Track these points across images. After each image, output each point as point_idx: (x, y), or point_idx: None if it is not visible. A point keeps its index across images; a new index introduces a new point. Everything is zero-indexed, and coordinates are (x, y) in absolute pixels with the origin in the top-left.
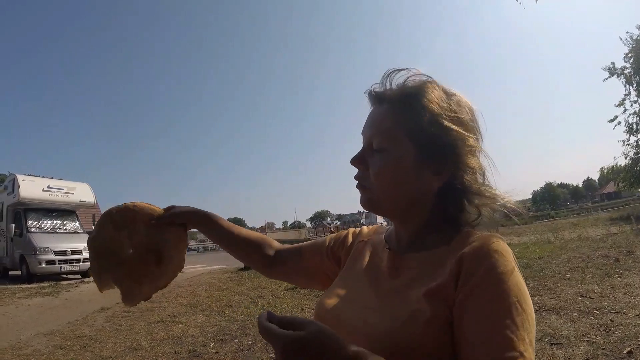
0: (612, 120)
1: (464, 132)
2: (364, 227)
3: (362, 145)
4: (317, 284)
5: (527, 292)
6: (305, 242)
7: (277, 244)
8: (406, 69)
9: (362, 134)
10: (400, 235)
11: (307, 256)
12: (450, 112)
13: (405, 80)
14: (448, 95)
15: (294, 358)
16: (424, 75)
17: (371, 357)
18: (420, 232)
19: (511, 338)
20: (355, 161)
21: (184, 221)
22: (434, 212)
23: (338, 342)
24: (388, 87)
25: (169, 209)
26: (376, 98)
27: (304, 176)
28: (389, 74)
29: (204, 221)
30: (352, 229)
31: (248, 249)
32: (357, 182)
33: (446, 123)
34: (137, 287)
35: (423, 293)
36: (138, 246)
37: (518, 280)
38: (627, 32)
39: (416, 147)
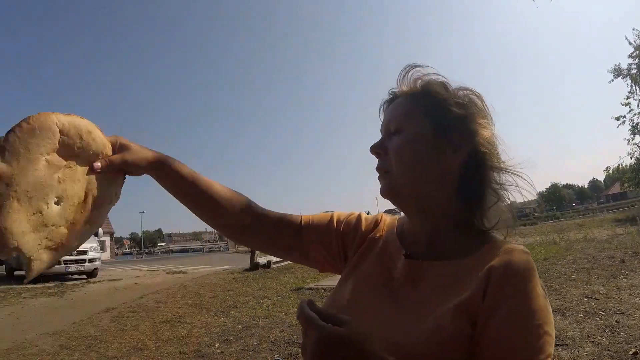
0: (618, 119)
1: (470, 110)
2: (381, 216)
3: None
4: (307, 263)
5: (550, 309)
6: (303, 218)
7: (254, 206)
8: (418, 66)
9: (380, 130)
10: (417, 235)
11: (307, 239)
12: (459, 96)
13: (408, 75)
14: (453, 86)
15: (328, 353)
16: (431, 69)
17: None
18: (439, 231)
19: None
20: (375, 147)
21: (141, 174)
22: (455, 208)
23: (376, 353)
24: (401, 84)
25: (118, 145)
26: (391, 98)
27: (309, 176)
28: (403, 75)
29: (163, 170)
30: (363, 215)
31: (217, 207)
32: (378, 173)
33: (457, 101)
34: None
35: (449, 308)
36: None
37: (544, 299)
38: (633, 30)
39: (432, 123)
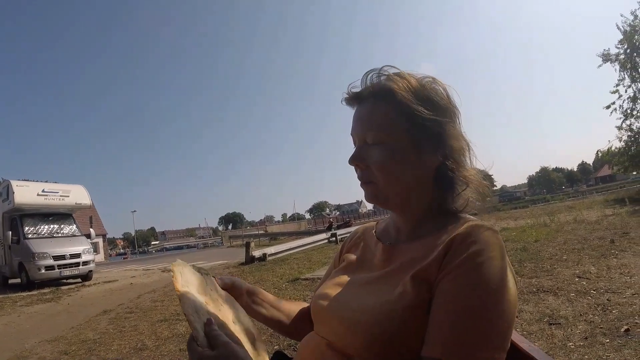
0: (608, 107)
1: (442, 116)
2: (358, 229)
3: (353, 146)
4: None
5: (510, 286)
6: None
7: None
8: (380, 67)
9: (352, 134)
10: (399, 228)
11: None
12: (427, 99)
13: (379, 76)
14: (421, 82)
15: None
16: (395, 69)
17: None
18: (419, 222)
19: (462, 342)
20: (354, 160)
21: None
22: (432, 199)
23: None
24: (365, 85)
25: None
26: (355, 98)
27: (302, 169)
28: (365, 75)
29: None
30: (340, 247)
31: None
32: (360, 180)
33: (425, 110)
34: None
35: (410, 275)
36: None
37: (498, 273)
38: (621, 16)
39: (408, 134)
